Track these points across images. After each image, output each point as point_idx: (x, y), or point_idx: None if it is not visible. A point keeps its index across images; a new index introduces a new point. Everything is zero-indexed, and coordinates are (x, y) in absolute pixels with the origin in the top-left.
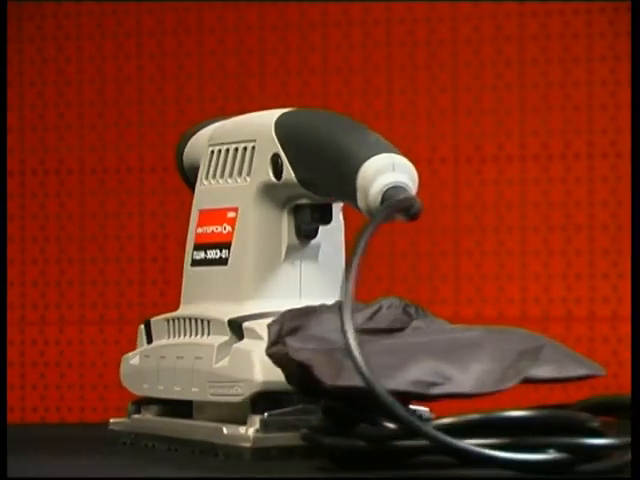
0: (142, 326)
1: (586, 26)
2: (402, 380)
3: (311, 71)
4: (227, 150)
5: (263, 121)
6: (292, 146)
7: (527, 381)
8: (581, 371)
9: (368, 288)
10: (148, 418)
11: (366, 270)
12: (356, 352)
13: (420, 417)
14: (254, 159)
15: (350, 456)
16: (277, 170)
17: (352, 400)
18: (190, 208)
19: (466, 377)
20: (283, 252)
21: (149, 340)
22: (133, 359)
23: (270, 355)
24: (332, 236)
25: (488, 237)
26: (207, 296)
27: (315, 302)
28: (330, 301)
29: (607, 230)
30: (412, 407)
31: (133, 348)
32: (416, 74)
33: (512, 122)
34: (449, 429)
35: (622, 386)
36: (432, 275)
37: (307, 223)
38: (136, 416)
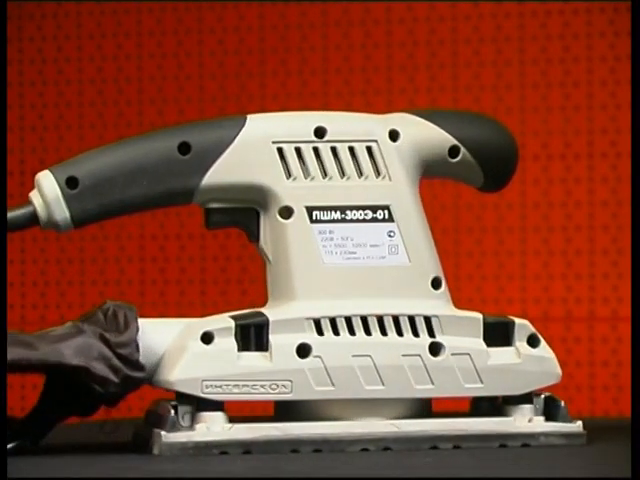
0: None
1: (586, 26)
2: None
3: (311, 71)
4: None
5: None
6: None
7: None
8: None
9: None
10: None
11: None
12: None
13: None
14: None
15: None
16: None
17: None
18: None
19: None
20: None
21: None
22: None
23: None
24: (278, 237)
25: (488, 237)
26: None
27: (267, 304)
28: (276, 303)
29: (607, 230)
30: None
31: None
32: (416, 74)
33: (512, 122)
34: None
35: (622, 386)
36: None
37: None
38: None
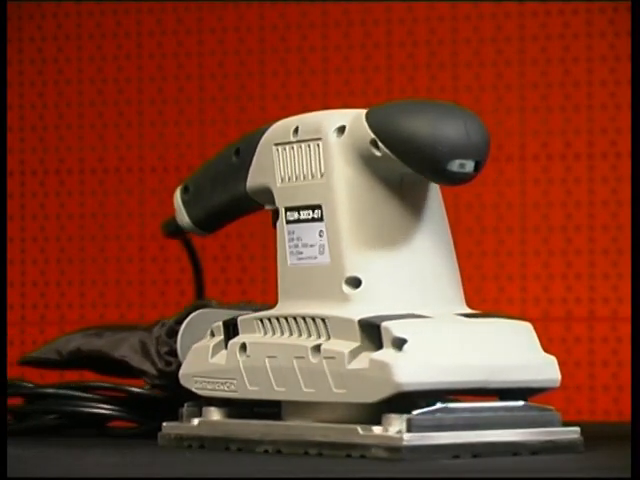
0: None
1: (586, 26)
2: None
3: (311, 71)
4: None
5: None
6: None
7: None
8: None
9: None
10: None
11: None
12: None
13: None
14: None
15: None
16: None
17: None
18: None
19: None
20: None
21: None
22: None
23: None
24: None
25: (488, 237)
26: None
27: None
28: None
29: (607, 230)
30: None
31: None
32: (416, 74)
33: (512, 122)
34: None
35: (622, 386)
36: None
37: None
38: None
